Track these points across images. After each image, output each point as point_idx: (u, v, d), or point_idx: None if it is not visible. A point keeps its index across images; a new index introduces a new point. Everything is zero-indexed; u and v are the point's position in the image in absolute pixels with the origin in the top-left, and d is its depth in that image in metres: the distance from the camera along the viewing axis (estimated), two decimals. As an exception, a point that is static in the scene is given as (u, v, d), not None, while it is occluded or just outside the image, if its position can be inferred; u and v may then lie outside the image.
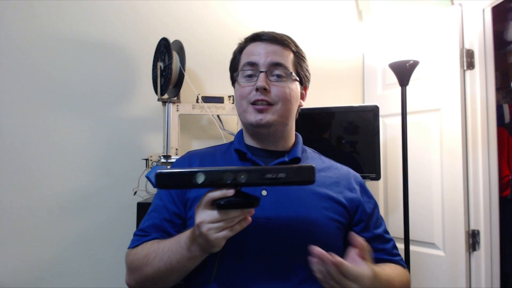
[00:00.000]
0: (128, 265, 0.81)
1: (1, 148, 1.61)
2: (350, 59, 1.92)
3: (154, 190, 1.45)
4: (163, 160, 1.47)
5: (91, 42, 1.69)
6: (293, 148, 0.90)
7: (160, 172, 0.62)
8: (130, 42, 1.71)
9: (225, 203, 0.61)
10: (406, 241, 1.39)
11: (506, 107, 2.39)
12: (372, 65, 1.87)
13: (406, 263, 1.36)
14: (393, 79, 1.46)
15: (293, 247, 0.77)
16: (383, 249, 0.87)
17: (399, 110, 1.44)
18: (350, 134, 1.54)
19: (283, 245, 0.77)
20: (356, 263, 0.66)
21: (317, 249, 0.63)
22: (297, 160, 0.88)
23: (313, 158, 0.93)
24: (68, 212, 1.63)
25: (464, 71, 1.52)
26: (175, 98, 1.55)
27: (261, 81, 0.82)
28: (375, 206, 0.91)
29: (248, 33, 0.90)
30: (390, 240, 0.89)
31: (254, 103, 0.82)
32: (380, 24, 1.52)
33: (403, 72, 1.40)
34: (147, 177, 1.39)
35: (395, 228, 1.63)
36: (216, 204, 0.61)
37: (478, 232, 1.47)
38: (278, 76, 0.84)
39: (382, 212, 1.77)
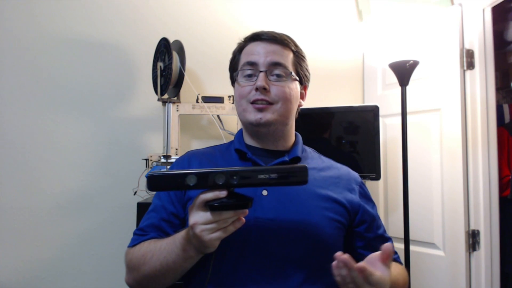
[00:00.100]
0: (127, 264, 0.81)
1: (1, 148, 1.61)
2: (350, 59, 1.92)
3: (154, 190, 1.45)
4: (163, 160, 1.47)
5: (91, 42, 1.69)
6: (293, 147, 0.90)
7: (152, 175, 0.62)
8: (130, 42, 1.72)
9: (218, 205, 0.61)
10: (406, 241, 1.39)
11: (506, 107, 2.39)
12: (372, 65, 1.87)
13: (406, 263, 1.36)
14: (393, 79, 1.46)
15: (294, 248, 0.77)
16: None
17: (399, 110, 1.44)
18: (350, 134, 1.54)
19: (284, 246, 0.77)
20: (376, 267, 0.66)
21: (342, 255, 0.63)
22: (298, 159, 0.88)
23: (312, 158, 0.93)
24: (68, 212, 1.63)
25: (464, 71, 1.52)
26: (175, 98, 1.55)
27: (260, 80, 0.81)
28: (375, 206, 0.92)
29: (248, 33, 0.90)
30: (389, 239, 0.90)
31: (254, 102, 0.82)
32: (380, 24, 1.52)
33: (403, 72, 1.40)
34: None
35: (395, 228, 1.63)
36: (209, 206, 0.61)
37: (478, 232, 1.47)
38: (278, 75, 0.84)
39: (382, 212, 1.78)
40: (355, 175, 0.93)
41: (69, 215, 1.63)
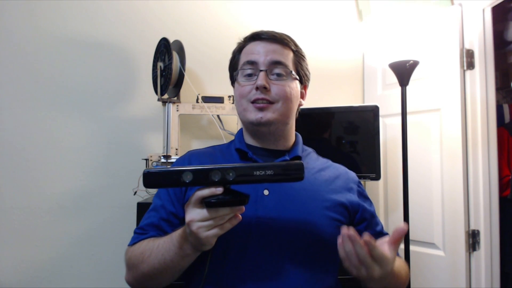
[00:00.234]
0: (126, 262, 0.81)
1: (1, 148, 1.61)
2: (350, 59, 1.92)
3: (154, 190, 1.45)
4: (163, 160, 1.47)
5: (91, 42, 1.69)
6: (294, 147, 0.90)
7: (148, 171, 0.62)
8: (130, 42, 1.72)
9: (214, 201, 0.60)
10: (406, 241, 1.39)
11: (506, 107, 2.39)
12: (372, 65, 1.87)
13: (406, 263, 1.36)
14: (393, 79, 1.46)
15: (294, 247, 0.77)
16: None
17: (399, 110, 1.44)
18: (350, 134, 1.54)
19: (285, 245, 0.77)
20: (382, 247, 0.66)
21: (348, 230, 0.63)
22: (298, 159, 0.88)
23: (312, 158, 0.94)
24: (68, 212, 1.63)
25: (464, 71, 1.52)
26: (175, 98, 1.55)
27: (261, 79, 0.82)
28: (372, 203, 0.93)
29: (248, 33, 0.90)
30: (387, 234, 0.90)
31: (254, 101, 0.82)
32: (380, 24, 1.52)
33: (403, 72, 1.40)
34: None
35: (395, 228, 1.63)
36: (205, 202, 0.61)
37: (478, 232, 1.47)
38: (278, 74, 0.84)
39: (382, 212, 1.78)
40: (353, 174, 0.94)
41: (69, 215, 1.63)
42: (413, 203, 1.48)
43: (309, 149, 0.97)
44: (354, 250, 0.62)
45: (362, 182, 0.97)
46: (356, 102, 1.91)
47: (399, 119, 1.45)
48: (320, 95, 1.78)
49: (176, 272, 0.74)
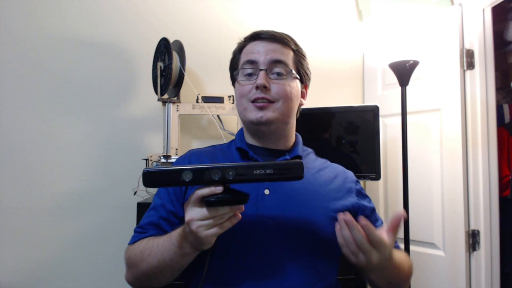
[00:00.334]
0: (126, 261, 0.81)
1: (1, 148, 1.61)
2: (350, 59, 1.92)
3: (154, 190, 1.45)
4: (163, 160, 1.47)
5: (91, 42, 1.69)
6: (294, 147, 0.91)
7: (147, 170, 0.62)
8: (130, 42, 1.72)
9: (214, 200, 0.60)
10: (406, 241, 1.39)
11: (506, 107, 2.39)
12: (372, 65, 1.87)
13: (406, 263, 1.36)
14: (393, 79, 1.46)
15: (295, 246, 0.78)
16: None
17: (399, 110, 1.44)
18: (350, 134, 1.54)
19: (286, 244, 0.77)
20: (381, 233, 0.67)
21: (345, 216, 0.63)
22: (299, 158, 0.88)
23: (312, 158, 0.94)
24: (68, 212, 1.63)
25: (464, 71, 1.52)
26: (175, 98, 1.55)
27: (261, 78, 0.81)
28: (371, 200, 0.94)
29: (248, 33, 0.90)
30: None
31: (254, 101, 0.82)
32: (380, 24, 1.52)
33: (403, 72, 1.40)
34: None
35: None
36: (205, 201, 0.61)
37: (478, 232, 1.47)
38: (278, 74, 0.84)
39: (382, 212, 1.78)
40: (350, 173, 0.95)
41: (69, 215, 1.63)
42: (413, 203, 1.48)
43: (309, 150, 0.97)
44: (352, 235, 0.63)
45: (362, 182, 0.97)
46: (356, 102, 1.91)
47: (399, 119, 1.45)
48: (320, 95, 1.78)
49: (176, 271, 0.74)
